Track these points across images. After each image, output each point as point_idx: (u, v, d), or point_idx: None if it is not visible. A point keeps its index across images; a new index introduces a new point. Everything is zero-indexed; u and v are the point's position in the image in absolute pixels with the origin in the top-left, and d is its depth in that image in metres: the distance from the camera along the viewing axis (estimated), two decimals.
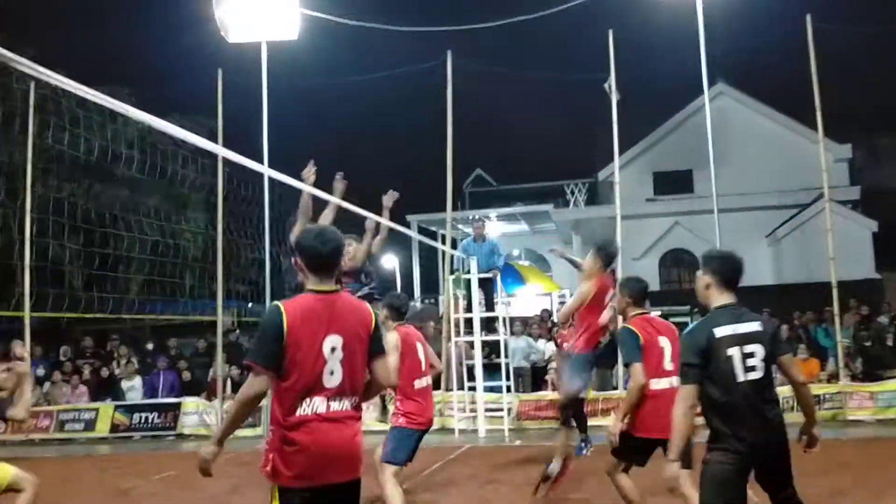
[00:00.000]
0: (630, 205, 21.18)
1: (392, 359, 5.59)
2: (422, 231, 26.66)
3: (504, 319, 13.57)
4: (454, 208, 16.45)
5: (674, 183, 27.28)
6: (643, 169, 27.63)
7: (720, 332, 4.04)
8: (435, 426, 13.44)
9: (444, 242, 17.14)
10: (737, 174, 24.04)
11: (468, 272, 13.25)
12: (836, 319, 13.84)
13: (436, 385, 14.32)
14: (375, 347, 3.63)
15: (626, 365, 5.44)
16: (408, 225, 25.39)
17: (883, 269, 22.07)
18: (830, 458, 9.36)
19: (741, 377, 4.00)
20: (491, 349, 13.89)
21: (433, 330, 16.12)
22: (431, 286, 28.31)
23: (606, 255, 7.31)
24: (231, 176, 14.70)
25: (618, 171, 15.02)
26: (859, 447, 10.36)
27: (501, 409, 13.07)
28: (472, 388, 13.33)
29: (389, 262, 27.77)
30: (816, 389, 12.93)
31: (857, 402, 12.75)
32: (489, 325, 14.05)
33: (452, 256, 14.35)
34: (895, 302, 16.84)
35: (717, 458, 4.00)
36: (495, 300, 13.77)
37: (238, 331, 18.04)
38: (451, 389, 13.68)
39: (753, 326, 4.09)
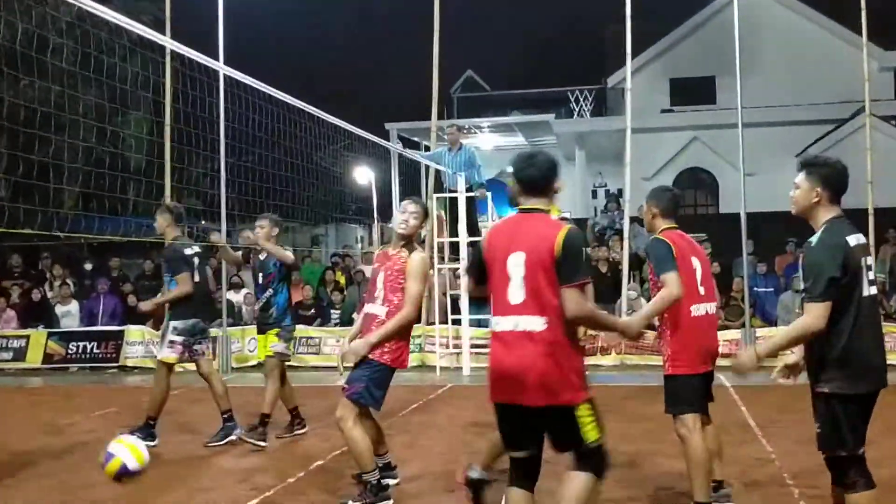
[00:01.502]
0: (643, 116, 21.04)
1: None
2: (403, 142, 26.47)
3: None
4: (440, 116, 16.29)
5: (693, 92, 27.08)
6: (659, 75, 27.35)
7: (852, 240, 4.07)
8: (414, 363, 13.77)
9: None
10: (765, 83, 23.85)
11: (456, 190, 13.21)
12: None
13: None
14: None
15: (658, 276, 5.16)
16: (386, 135, 25.16)
17: None
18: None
19: (865, 291, 4.04)
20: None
21: None
22: None
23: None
24: (181, 74, 14.39)
25: (630, 77, 14.83)
26: (890, 396, 10.55)
27: (489, 346, 13.20)
28: (457, 322, 13.45)
29: (364, 176, 27.60)
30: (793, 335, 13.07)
31: (890, 345, 12.92)
32: None
33: (437, 172, 14.26)
34: None
35: (835, 388, 4.04)
36: (481, 222, 13.77)
37: None
38: (434, 323, 13.78)
39: (863, 239, 4.18)
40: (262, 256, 8.26)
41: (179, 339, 7.99)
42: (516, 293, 4.04)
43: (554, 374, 3.96)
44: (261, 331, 8.39)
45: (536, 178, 4.26)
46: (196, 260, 8.14)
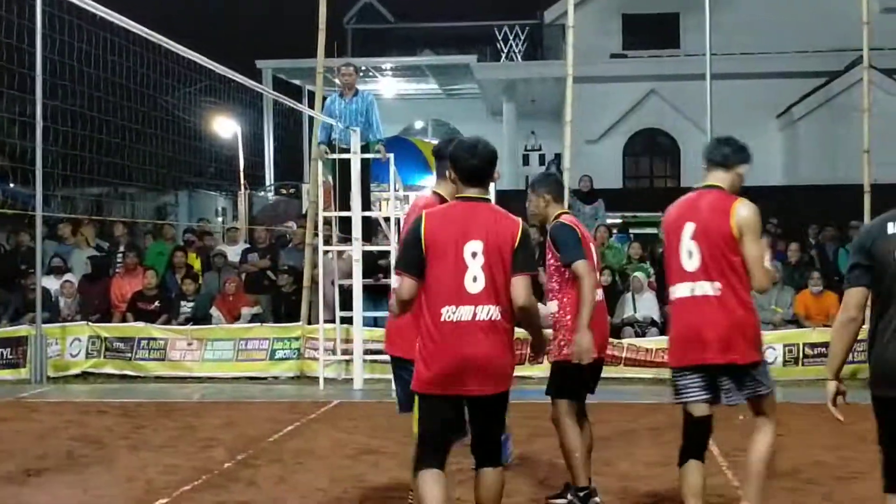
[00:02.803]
0: (588, 62, 21.24)
1: None
2: (280, 85, 26.19)
3: (398, 223, 13.57)
4: (329, 54, 16.11)
5: (651, 32, 27.54)
6: (609, 9, 27.69)
7: (893, 227, 4.55)
8: (291, 373, 13.69)
9: (312, 104, 16.85)
10: (741, 24, 24.40)
11: (349, 149, 13.13)
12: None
13: (294, 314, 14.39)
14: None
15: (567, 265, 6.30)
16: (258, 75, 24.86)
17: None
18: (845, 430, 9.87)
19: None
20: (376, 265, 13.90)
21: (296, 233, 16.02)
22: (293, 168, 28.01)
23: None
24: None
25: (572, 11, 14.93)
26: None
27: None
28: (348, 321, 13.39)
29: (228, 129, 27.27)
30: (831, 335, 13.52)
31: None
32: (376, 229, 14.01)
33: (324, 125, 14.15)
34: None
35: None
36: (376, 191, 13.76)
37: None
38: (316, 321, 13.70)
39: None
40: None
41: None
42: (474, 282, 4.98)
43: (509, 362, 5.13)
44: None
45: (478, 168, 5.18)
46: None
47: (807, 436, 9.62)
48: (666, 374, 13.08)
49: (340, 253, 13.92)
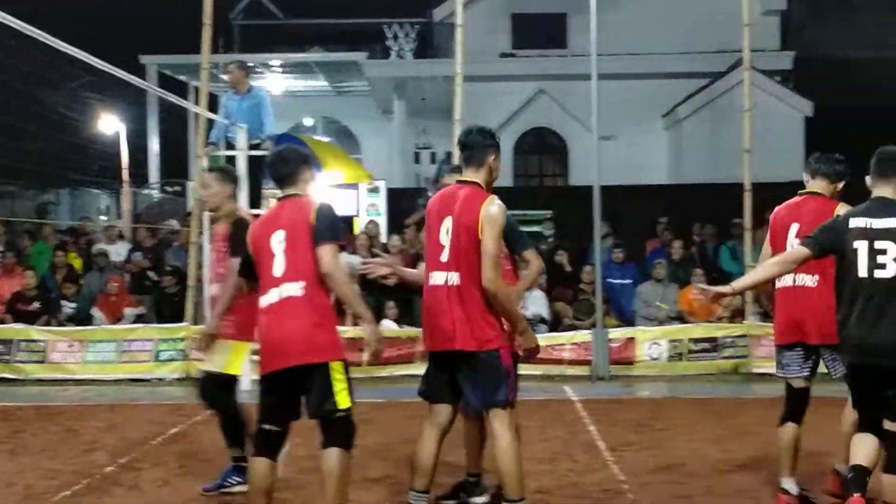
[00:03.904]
0: (478, 61, 21.36)
1: None
2: (165, 81, 25.78)
3: None
4: (215, 49, 15.94)
5: (540, 33, 27.75)
6: (498, 9, 27.86)
7: (854, 222, 5.71)
8: (177, 374, 13.49)
9: (197, 101, 16.62)
10: (627, 25, 24.78)
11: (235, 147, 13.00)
12: (748, 236, 14.71)
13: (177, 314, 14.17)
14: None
15: (520, 252, 6.48)
16: (142, 71, 24.42)
17: None
18: (727, 422, 10.14)
19: (864, 272, 5.62)
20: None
21: (180, 233, 15.79)
22: (178, 167, 27.59)
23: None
24: None
25: (461, 10, 14.99)
26: (765, 409, 11.22)
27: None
28: None
29: (111, 125, 26.75)
30: (714, 331, 13.85)
31: (767, 349, 13.69)
32: None
33: (210, 122, 13.98)
34: None
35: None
36: (265, 189, 13.66)
37: None
38: (202, 322, 13.51)
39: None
40: None
41: None
42: (279, 266, 5.64)
43: (318, 333, 5.56)
44: None
45: (273, 171, 6.00)
46: None
47: (690, 429, 9.83)
48: (554, 370, 13.32)
49: None
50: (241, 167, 12.85)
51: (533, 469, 7.84)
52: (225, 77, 14.10)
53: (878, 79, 27.58)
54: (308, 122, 31.06)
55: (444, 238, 5.84)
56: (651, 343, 13.86)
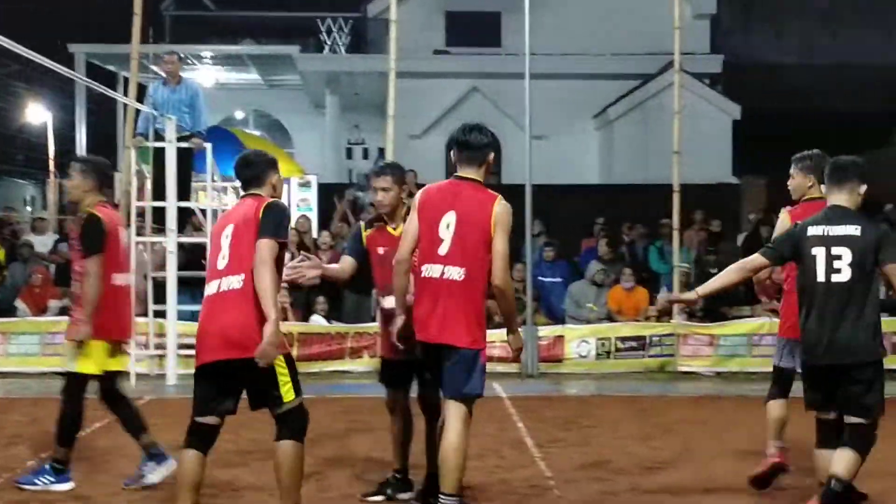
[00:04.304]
0: (412, 57, 21.37)
1: None
2: (94, 70, 25.41)
3: (214, 214, 13.40)
4: (145, 40, 15.76)
5: (474, 31, 27.77)
6: (432, 6, 27.84)
7: (812, 230, 5.98)
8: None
9: (126, 91, 16.43)
10: (561, 26, 24.87)
11: (165, 138, 12.87)
12: (675, 236, 14.92)
13: None
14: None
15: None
16: (70, 60, 24.04)
17: (743, 173, 24.01)
18: (653, 420, 10.27)
19: (822, 277, 5.92)
20: (192, 256, 13.72)
21: None
22: (106, 156, 27.24)
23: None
24: None
25: (395, 5, 15.00)
26: (690, 407, 11.41)
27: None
28: (161, 315, 13.15)
29: (37, 115, 26.32)
30: (642, 330, 14.01)
31: (693, 348, 13.96)
32: (190, 220, 13.80)
33: (138, 112, 13.82)
34: (756, 216, 18.33)
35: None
36: (195, 181, 13.57)
37: None
38: None
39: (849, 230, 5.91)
40: None
41: None
42: (222, 259, 5.69)
43: (254, 327, 5.47)
44: None
45: (238, 176, 6.07)
46: None
47: (616, 426, 9.94)
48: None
49: (153, 245, 13.63)
50: (171, 159, 12.75)
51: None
52: (157, 67, 13.94)
53: (804, 85, 28.11)
54: (239, 114, 30.82)
55: (445, 232, 5.98)
56: (580, 341, 13.99)
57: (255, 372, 5.46)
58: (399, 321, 6.22)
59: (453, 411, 5.95)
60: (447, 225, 5.97)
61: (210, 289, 5.70)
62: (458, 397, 5.95)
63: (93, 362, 7.08)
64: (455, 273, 5.92)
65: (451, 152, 6.37)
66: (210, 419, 5.68)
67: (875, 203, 15.42)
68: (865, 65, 28.48)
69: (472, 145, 6.17)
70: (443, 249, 5.98)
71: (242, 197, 5.96)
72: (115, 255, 7.18)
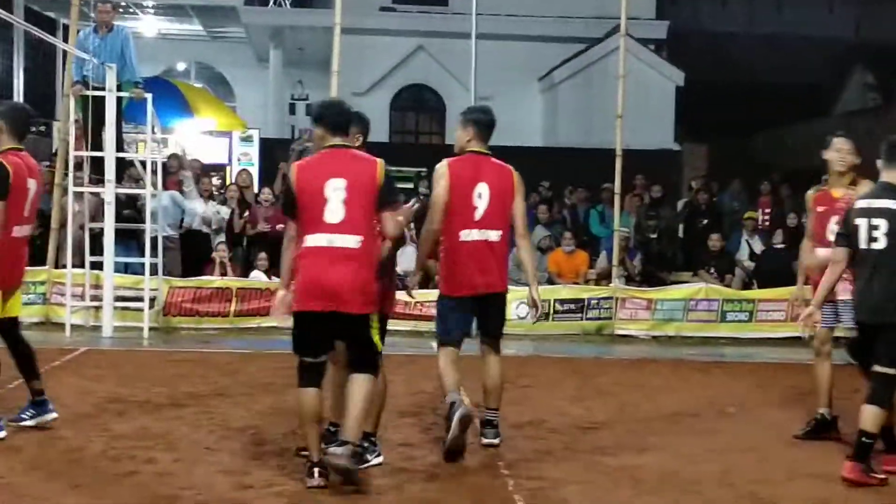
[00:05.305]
0: (357, 14, 21.18)
1: None
2: (34, 17, 24.93)
3: (155, 165, 13.26)
4: None
5: None
6: None
7: (860, 203, 6.73)
8: (35, 318, 13.15)
9: (66, 38, 16.14)
10: None
11: (103, 87, 12.68)
12: (616, 201, 15.01)
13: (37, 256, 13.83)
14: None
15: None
16: (8, 4, 23.55)
17: (685, 139, 24.20)
18: (589, 382, 10.39)
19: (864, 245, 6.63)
20: (127, 207, 13.68)
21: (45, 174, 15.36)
22: (44, 105, 26.76)
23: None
24: None
25: None
26: (626, 369, 11.55)
27: (140, 299, 12.92)
28: (97, 266, 13.02)
29: None
30: (581, 293, 14.13)
31: (631, 311, 14.08)
32: (127, 172, 13.67)
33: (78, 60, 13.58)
34: (697, 182, 18.48)
35: None
36: (135, 132, 13.37)
37: None
38: (64, 266, 13.24)
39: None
40: None
41: None
42: (335, 214, 6.01)
43: (366, 286, 6.07)
44: None
45: (340, 123, 6.30)
46: None
47: (553, 387, 10.05)
48: (423, 326, 13.37)
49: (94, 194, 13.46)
50: (110, 108, 12.56)
51: (398, 422, 7.94)
52: (94, 16, 13.62)
53: (747, 54, 28.38)
54: (181, 66, 30.48)
55: (478, 201, 7.03)
56: (519, 303, 14.03)
57: (357, 323, 6.09)
58: (417, 277, 7.48)
59: (494, 349, 7.38)
60: (478, 194, 7.00)
61: (317, 240, 6.02)
62: (500, 336, 7.38)
63: (11, 306, 7.31)
64: (493, 235, 7.06)
65: (466, 128, 7.21)
66: (318, 358, 6.15)
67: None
68: (807, 37, 28.80)
69: (490, 124, 7.24)
70: (477, 215, 7.03)
71: (335, 147, 6.21)
72: (19, 206, 7.16)
